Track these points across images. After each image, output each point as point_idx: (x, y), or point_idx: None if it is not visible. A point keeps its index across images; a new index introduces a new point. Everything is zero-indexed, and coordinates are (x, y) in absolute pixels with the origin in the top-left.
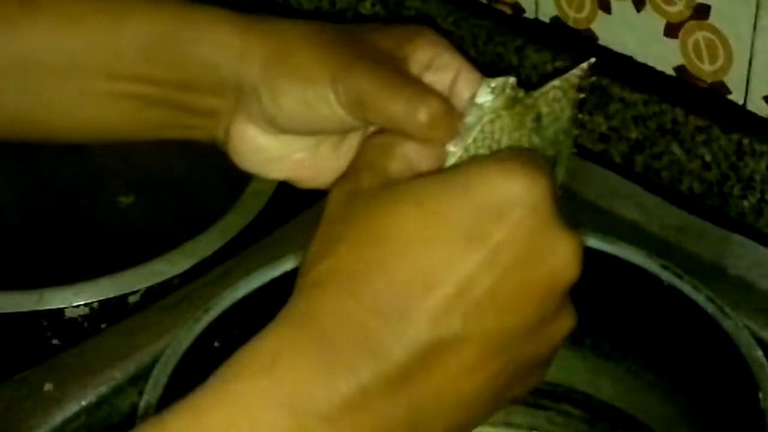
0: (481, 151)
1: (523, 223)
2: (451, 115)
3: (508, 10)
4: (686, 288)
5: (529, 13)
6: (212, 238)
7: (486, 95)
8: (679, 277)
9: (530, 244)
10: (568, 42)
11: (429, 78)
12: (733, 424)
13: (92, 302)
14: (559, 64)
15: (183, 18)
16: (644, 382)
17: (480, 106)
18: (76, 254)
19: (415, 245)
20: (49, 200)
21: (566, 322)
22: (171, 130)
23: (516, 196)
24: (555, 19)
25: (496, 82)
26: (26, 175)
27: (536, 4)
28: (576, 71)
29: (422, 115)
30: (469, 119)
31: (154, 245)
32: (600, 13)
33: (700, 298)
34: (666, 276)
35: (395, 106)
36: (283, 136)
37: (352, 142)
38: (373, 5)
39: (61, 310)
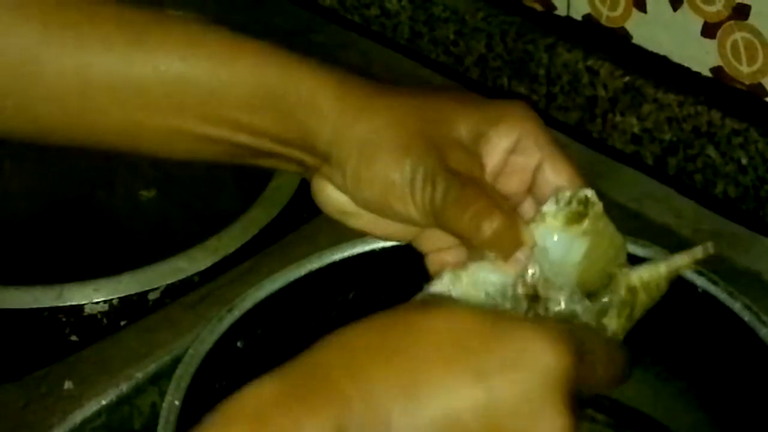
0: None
1: (526, 383)
2: (513, 230)
3: (539, 7)
4: (722, 295)
5: (561, 11)
6: (234, 235)
7: (551, 205)
8: (715, 283)
9: (524, 406)
10: (601, 41)
11: (513, 160)
12: None
13: (112, 299)
14: (590, 63)
15: (289, 74)
16: (674, 388)
17: (543, 215)
18: (96, 250)
19: (431, 361)
20: (69, 195)
21: None
22: (257, 162)
23: (535, 359)
24: (587, 17)
25: (562, 195)
26: (47, 171)
27: (568, 1)
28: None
29: (486, 231)
30: (532, 226)
31: (175, 242)
32: (635, 11)
33: (736, 306)
34: (701, 282)
35: (462, 222)
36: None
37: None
38: (399, 0)
39: (80, 307)
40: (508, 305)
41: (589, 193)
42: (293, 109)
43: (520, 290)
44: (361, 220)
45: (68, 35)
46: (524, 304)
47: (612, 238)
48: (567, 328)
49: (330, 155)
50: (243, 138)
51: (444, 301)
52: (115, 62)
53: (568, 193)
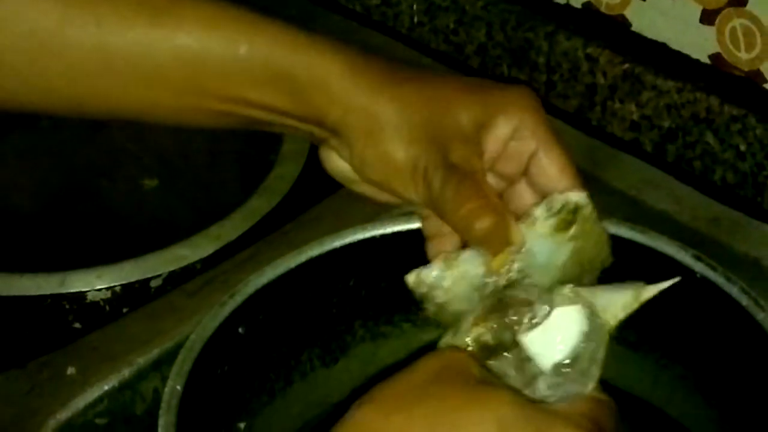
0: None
1: None
2: (503, 230)
3: None
4: (720, 279)
5: None
6: (236, 223)
7: (542, 210)
8: (713, 268)
9: None
10: (600, 28)
11: (512, 146)
12: (765, 419)
13: (114, 286)
14: (590, 50)
15: (302, 54)
16: (673, 374)
17: (533, 220)
18: (98, 238)
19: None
20: (72, 184)
21: None
22: (269, 129)
23: None
24: (587, 5)
25: (553, 202)
26: (50, 159)
27: None
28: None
29: (477, 229)
30: (522, 227)
31: (177, 229)
32: None
33: (733, 290)
34: (699, 267)
35: (456, 218)
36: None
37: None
38: None
39: (83, 294)
40: (487, 301)
41: (580, 198)
42: (305, 88)
43: (501, 282)
44: (365, 187)
45: (88, 14)
46: (503, 296)
47: (598, 237)
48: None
49: (338, 132)
50: (255, 113)
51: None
52: (134, 42)
53: (559, 201)
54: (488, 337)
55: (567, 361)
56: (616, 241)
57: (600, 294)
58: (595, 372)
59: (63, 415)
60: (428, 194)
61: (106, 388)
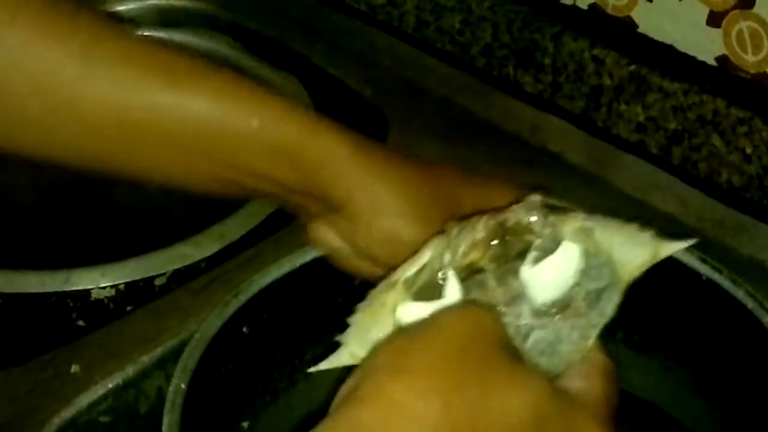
0: None
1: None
2: None
3: None
4: (725, 282)
5: (567, 0)
6: (240, 222)
7: None
8: (719, 271)
9: None
10: (607, 30)
11: None
12: None
13: (119, 284)
14: (596, 52)
15: (310, 131)
16: (678, 377)
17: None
18: (103, 235)
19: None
20: (77, 181)
21: None
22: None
23: None
24: (593, 6)
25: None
26: None
27: None
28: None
29: None
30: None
31: (181, 228)
32: (641, 0)
33: (739, 293)
34: (705, 270)
35: None
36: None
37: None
38: None
39: (87, 292)
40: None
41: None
42: (312, 164)
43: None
44: (359, 263)
45: (106, 71)
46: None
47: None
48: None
49: (343, 208)
50: (261, 183)
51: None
52: (150, 105)
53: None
54: (484, 264)
55: (558, 300)
56: None
57: (617, 241)
58: (598, 320)
59: (66, 413)
60: None
61: (110, 386)
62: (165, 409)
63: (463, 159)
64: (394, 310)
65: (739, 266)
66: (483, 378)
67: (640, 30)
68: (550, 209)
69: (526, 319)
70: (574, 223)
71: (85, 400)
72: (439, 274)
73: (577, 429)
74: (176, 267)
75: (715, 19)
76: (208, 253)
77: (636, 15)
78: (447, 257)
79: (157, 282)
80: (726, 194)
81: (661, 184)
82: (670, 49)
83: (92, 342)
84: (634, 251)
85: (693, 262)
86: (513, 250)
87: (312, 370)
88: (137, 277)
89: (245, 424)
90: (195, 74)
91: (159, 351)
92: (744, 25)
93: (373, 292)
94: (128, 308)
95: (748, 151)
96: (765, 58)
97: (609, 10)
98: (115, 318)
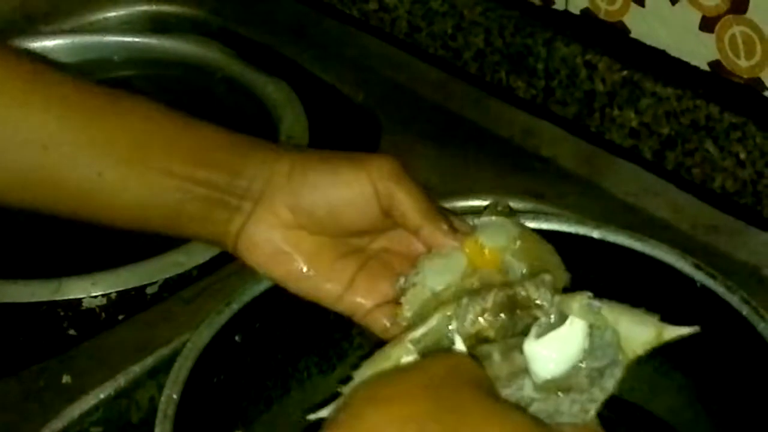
0: None
1: None
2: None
3: (537, 1)
4: (720, 289)
5: (559, 5)
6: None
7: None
8: (713, 277)
9: None
10: (599, 35)
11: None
12: (764, 428)
13: (110, 293)
14: (589, 57)
15: (235, 137)
16: (672, 383)
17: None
18: (94, 244)
19: None
20: None
21: None
22: (194, 223)
23: None
24: (585, 11)
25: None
26: None
27: None
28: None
29: (444, 227)
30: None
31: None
32: (633, 5)
33: (734, 300)
34: (699, 276)
35: (419, 219)
36: (293, 233)
37: (346, 268)
38: None
39: (78, 300)
40: (498, 296)
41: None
42: (249, 152)
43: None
44: (286, 263)
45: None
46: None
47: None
48: None
49: (293, 174)
50: (197, 188)
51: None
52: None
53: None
54: (490, 334)
55: (561, 377)
56: (615, 249)
57: (622, 319)
58: (599, 396)
59: (58, 423)
60: (392, 204)
61: (101, 396)
62: (157, 419)
63: (455, 164)
64: (397, 363)
65: (734, 272)
66: (459, 407)
67: (632, 35)
68: (560, 292)
69: (527, 392)
70: (582, 300)
71: (76, 410)
72: (447, 334)
73: None
74: (168, 276)
75: (707, 24)
76: (200, 261)
77: (628, 20)
78: (454, 324)
79: (149, 291)
80: (720, 199)
81: (654, 190)
82: (662, 54)
83: (84, 352)
84: (639, 330)
85: (687, 268)
86: (520, 324)
87: (312, 417)
88: (129, 286)
89: None
90: (160, 139)
91: (151, 360)
92: (737, 30)
93: (379, 350)
94: (120, 317)
95: (742, 156)
96: (758, 63)
97: (601, 15)
98: (106, 327)
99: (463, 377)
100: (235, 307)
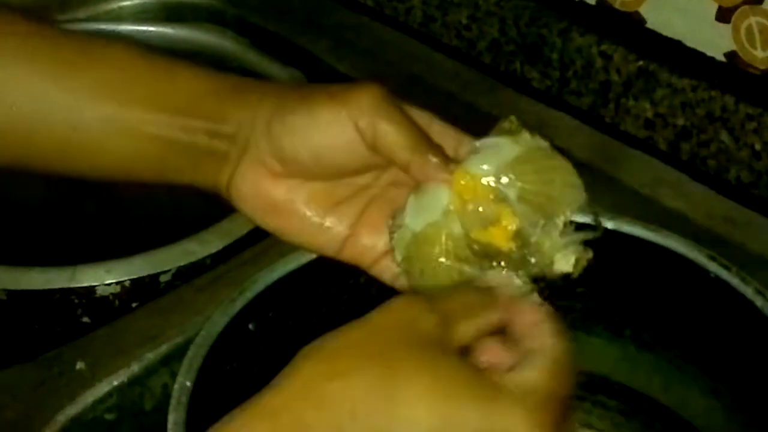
0: None
1: None
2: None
3: None
4: (734, 280)
5: None
6: (246, 218)
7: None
8: (727, 268)
9: None
10: (615, 25)
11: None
12: None
13: (124, 280)
14: (604, 47)
15: (218, 81)
16: (686, 375)
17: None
18: (108, 232)
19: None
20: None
21: None
22: (182, 173)
23: None
24: (601, 2)
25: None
26: None
27: None
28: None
29: (434, 160)
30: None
31: (187, 224)
32: None
33: (748, 291)
34: (713, 267)
35: (407, 153)
36: (284, 182)
37: (348, 211)
38: None
39: (92, 288)
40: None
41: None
42: (235, 94)
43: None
44: (280, 214)
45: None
46: None
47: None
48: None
49: (256, 120)
50: (179, 134)
51: None
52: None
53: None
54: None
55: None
56: (629, 239)
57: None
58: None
59: (72, 410)
60: (375, 135)
61: (115, 383)
62: (170, 407)
63: None
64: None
65: (748, 263)
66: (386, 363)
67: (648, 25)
68: None
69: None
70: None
71: (90, 397)
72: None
73: (496, 412)
74: (182, 264)
75: (724, 15)
76: (213, 250)
77: (644, 10)
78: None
79: (163, 279)
80: (735, 191)
81: (669, 181)
82: (678, 44)
83: (97, 339)
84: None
85: (701, 259)
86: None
87: None
88: (143, 274)
89: None
90: (144, 80)
91: (164, 348)
92: (753, 20)
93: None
94: (134, 305)
95: (757, 147)
96: None
97: (617, 6)
98: (120, 315)
99: (402, 330)
100: (249, 295)
